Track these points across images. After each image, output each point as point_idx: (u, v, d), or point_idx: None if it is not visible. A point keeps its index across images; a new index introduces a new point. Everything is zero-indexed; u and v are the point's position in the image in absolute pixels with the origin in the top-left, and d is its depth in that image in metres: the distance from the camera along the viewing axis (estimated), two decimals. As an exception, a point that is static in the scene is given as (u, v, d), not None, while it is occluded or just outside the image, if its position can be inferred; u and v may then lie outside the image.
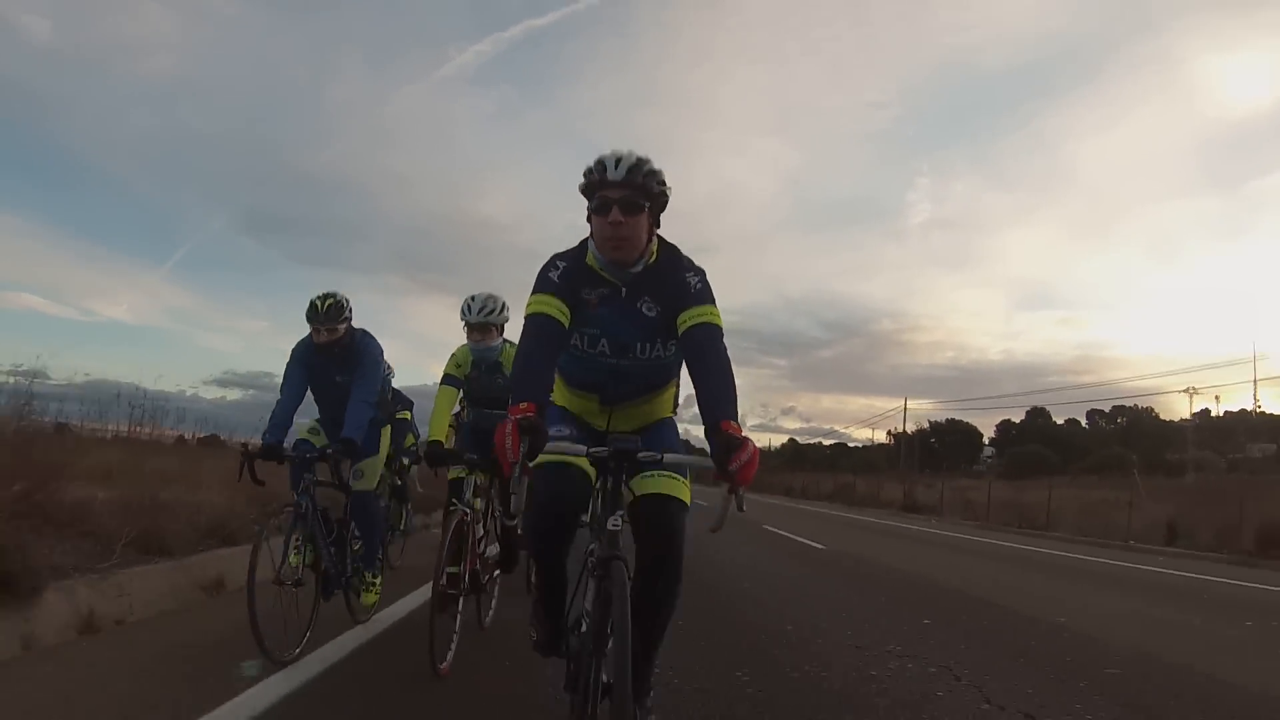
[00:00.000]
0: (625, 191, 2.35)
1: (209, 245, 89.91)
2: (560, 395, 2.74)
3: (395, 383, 6.98)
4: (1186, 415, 52.09)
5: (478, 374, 4.84)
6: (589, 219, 2.47)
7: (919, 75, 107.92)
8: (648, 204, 2.39)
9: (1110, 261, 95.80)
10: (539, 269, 2.50)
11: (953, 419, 60.39)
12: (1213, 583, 10.31)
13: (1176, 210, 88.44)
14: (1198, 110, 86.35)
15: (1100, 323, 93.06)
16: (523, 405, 2.13)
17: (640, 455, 2.20)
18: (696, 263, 2.56)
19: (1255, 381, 27.32)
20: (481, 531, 4.52)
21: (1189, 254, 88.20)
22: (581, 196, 2.46)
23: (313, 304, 4.43)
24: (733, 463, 2.03)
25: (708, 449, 2.18)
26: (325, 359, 4.55)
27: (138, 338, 74.61)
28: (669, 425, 2.80)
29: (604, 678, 2.10)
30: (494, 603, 4.91)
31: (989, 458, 57.59)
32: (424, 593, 4.68)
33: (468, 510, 4.28)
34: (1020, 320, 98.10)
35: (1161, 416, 52.39)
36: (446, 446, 4.63)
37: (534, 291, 2.44)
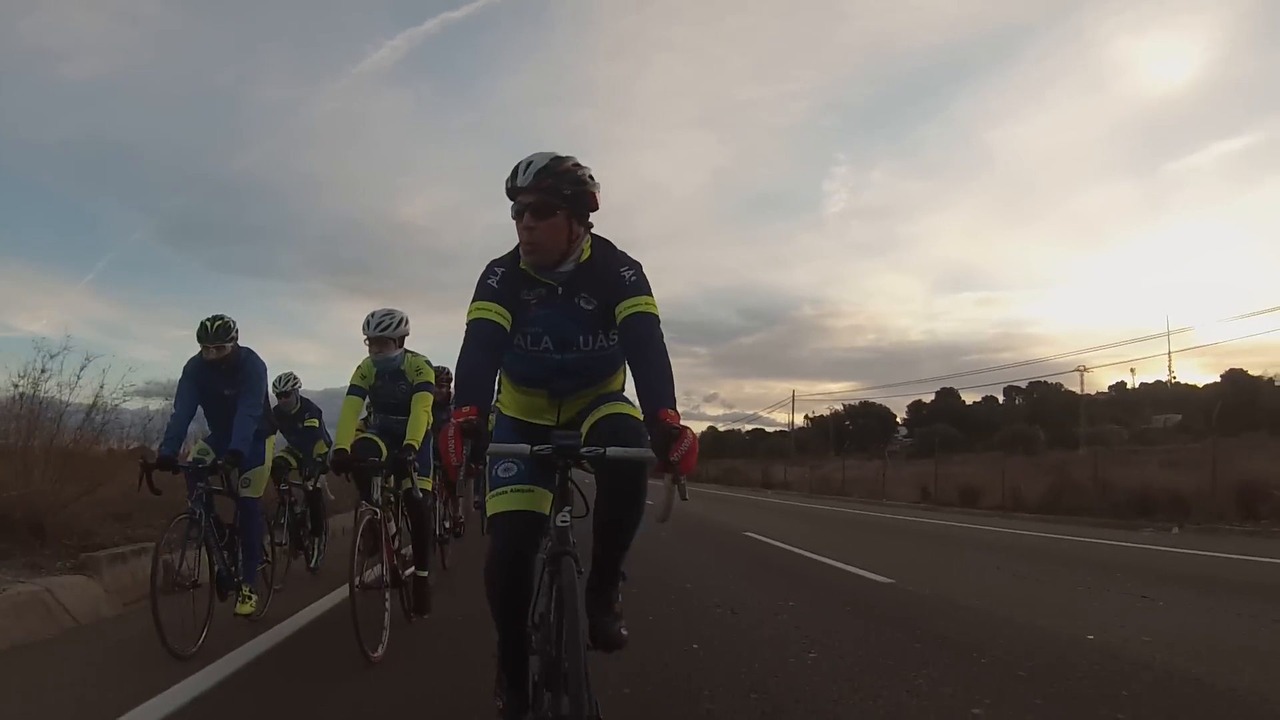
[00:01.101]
0: (535, 195, 2.35)
1: (130, 255, 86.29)
2: (508, 394, 2.78)
3: (306, 388, 7.19)
4: (1104, 389, 55.06)
5: (381, 383, 5.07)
6: None
7: (836, 63, 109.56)
8: (563, 205, 2.37)
9: (1029, 242, 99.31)
10: (478, 276, 2.50)
11: (866, 401, 62.23)
12: (977, 530, 13.72)
13: (1094, 191, 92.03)
14: (1114, 93, 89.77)
15: (1020, 302, 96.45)
16: (465, 409, 2.16)
17: (582, 450, 2.22)
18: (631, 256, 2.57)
19: (1170, 354, 29.35)
20: (394, 529, 4.72)
21: (1107, 234, 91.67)
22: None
23: (203, 325, 4.75)
24: (673, 452, 2.05)
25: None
26: (214, 374, 4.86)
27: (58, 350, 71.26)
28: (616, 394, 2.75)
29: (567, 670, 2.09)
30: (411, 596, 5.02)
31: (905, 438, 59.01)
32: (344, 591, 4.82)
33: (376, 510, 4.49)
34: (941, 302, 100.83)
35: (1075, 391, 54.86)
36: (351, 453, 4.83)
37: (474, 299, 2.45)
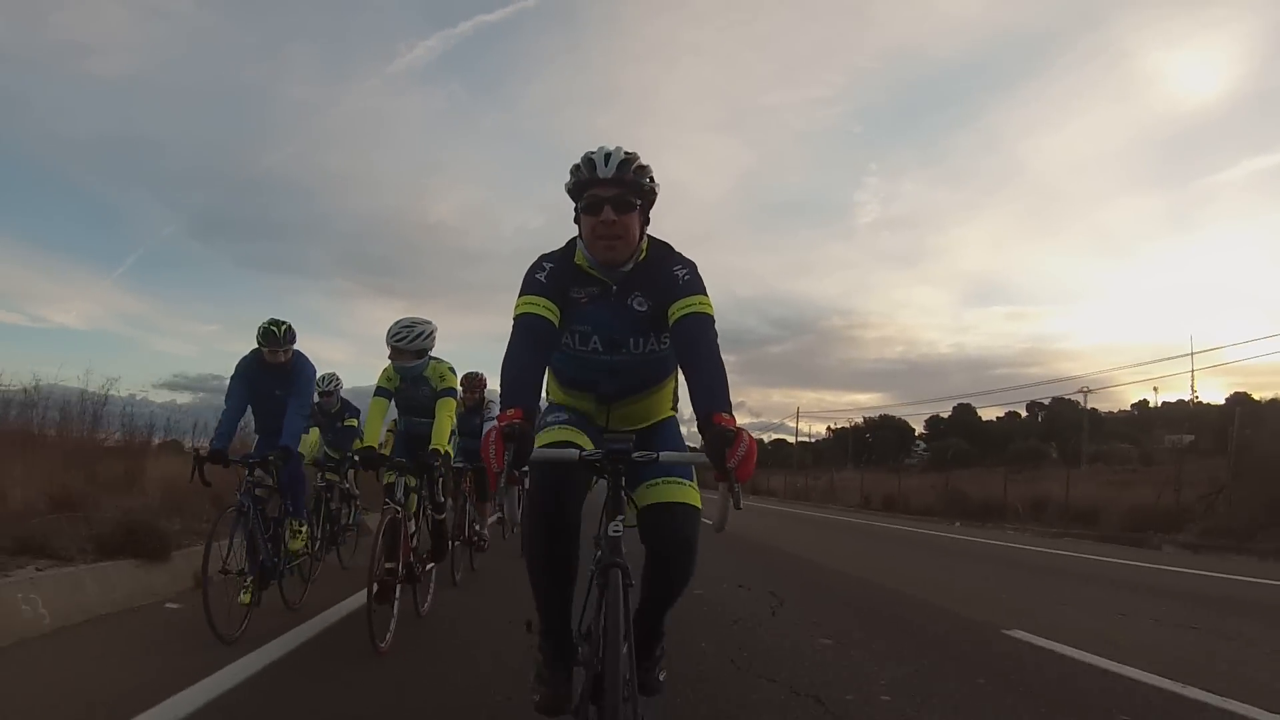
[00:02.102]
0: (617, 190, 2.24)
1: (159, 250, 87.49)
2: (555, 396, 2.65)
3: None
4: (1127, 406, 54.40)
5: (405, 386, 5.22)
6: (576, 219, 2.37)
7: (867, 70, 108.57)
8: (639, 202, 2.30)
9: (1059, 256, 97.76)
10: (525, 271, 2.39)
11: (886, 415, 61.90)
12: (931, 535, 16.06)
13: (1124, 205, 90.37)
14: (1145, 105, 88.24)
15: (1049, 316, 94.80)
16: (509, 412, 2.02)
17: (635, 455, 2.06)
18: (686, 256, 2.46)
19: (1193, 373, 29.02)
20: (414, 528, 4.86)
21: (1136, 249, 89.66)
22: (569, 198, 2.37)
23: (270, 330, 4.99)
24: (730, 459, 1.91)
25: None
26: (266, 375, 5.09)
27: (87, 343, 72.54)
28: (670, 424, 2.69)
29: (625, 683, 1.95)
30: (430, 593, 5.21)
31: (923, 451, 58.75)
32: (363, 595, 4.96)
33: (399, 509, 4.63)
34: (970, 315, 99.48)
35: (1092, 409, 54.31)
36: (380, 452, 5.03)
37: (521, 293, 2.33)
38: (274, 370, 5.07)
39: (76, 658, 3.78)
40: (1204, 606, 6.57)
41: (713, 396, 2.11)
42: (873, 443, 58.27)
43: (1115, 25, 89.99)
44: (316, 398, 6.55)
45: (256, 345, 5.07)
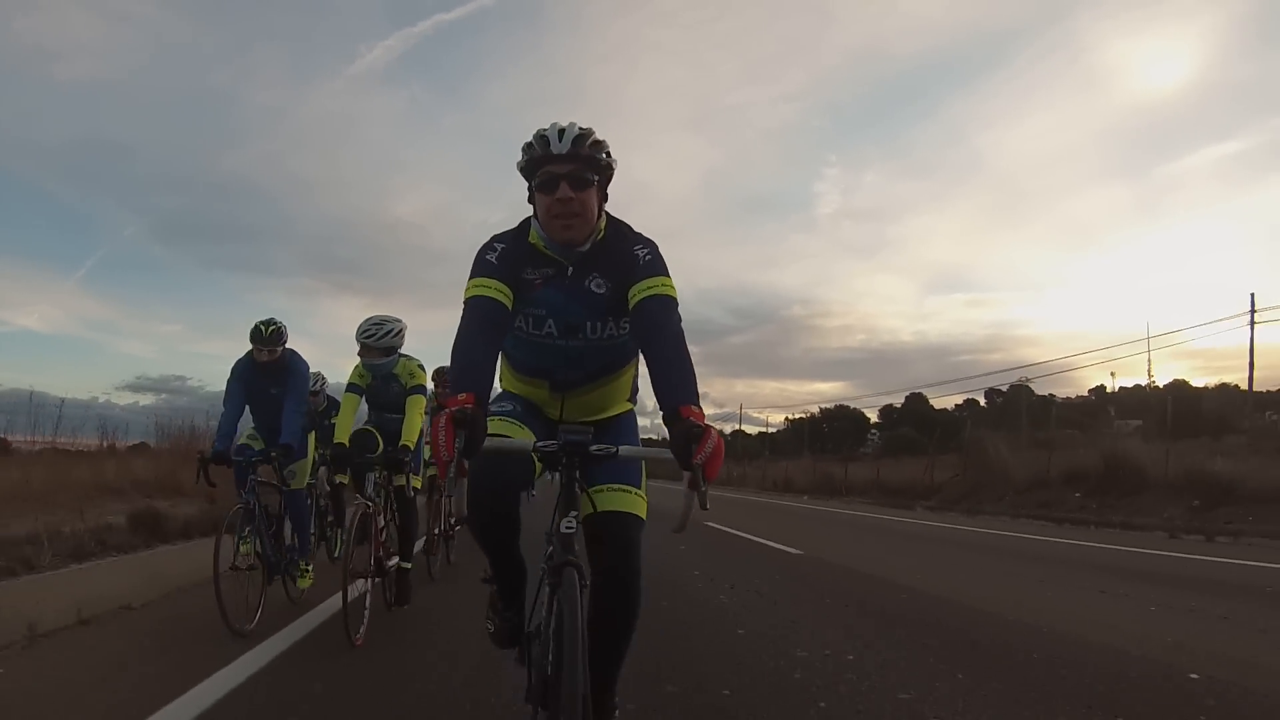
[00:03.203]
0: (572, 165, 2.12)
1: (121, 252, 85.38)
2: (508, 383, 2.51)
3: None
4: (1085, 391, 55.76)
5: (376, 383, 5.33)
6: (530, 199, 2.25)
7: (828, 65, 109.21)
8: (596, 178, 2.17)
9: (1020, 245, 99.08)
10: (475, 252, 2.26)
11: (842, 405, 62.85)
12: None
13: (1086, 194, 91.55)
14: (1106, 96, 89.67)
15: (1011, 303, 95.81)
16: (460, 396, 1.89)
17: (593, 448, 1.94)
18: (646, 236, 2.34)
19: (1149, 357, 29.82)
20: (382, 522, 4.96)
21: (1098, 237, 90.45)
22: (520, 176, 2.25)
23: (258, 329, 5.07)
24: (696, 455, 1.78)
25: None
26: (261, 374, 5.20)
27: (49, 345, 70.62)
28: (628, 419, 2.55)
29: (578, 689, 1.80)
30: (394, 587, 5.22)
31: (877, 440, 59.58)
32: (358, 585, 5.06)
33: (370, 503, 4.76)
34: (931, 303, 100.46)
35: (1048, 395, 55.54)
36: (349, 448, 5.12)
37: (471, 275, 2.20)
38: (268, 369, 5.16)
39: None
40: (900, 537, 12.38)
41: (679, 388, 1.98)
42: (829, 432, 59.16)
43: (1076, 18, 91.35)
44: None
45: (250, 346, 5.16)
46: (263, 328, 5.07)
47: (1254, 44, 74.32)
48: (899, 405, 61.37)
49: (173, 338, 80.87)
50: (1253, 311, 19.62)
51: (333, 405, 7.37)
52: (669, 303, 2.15)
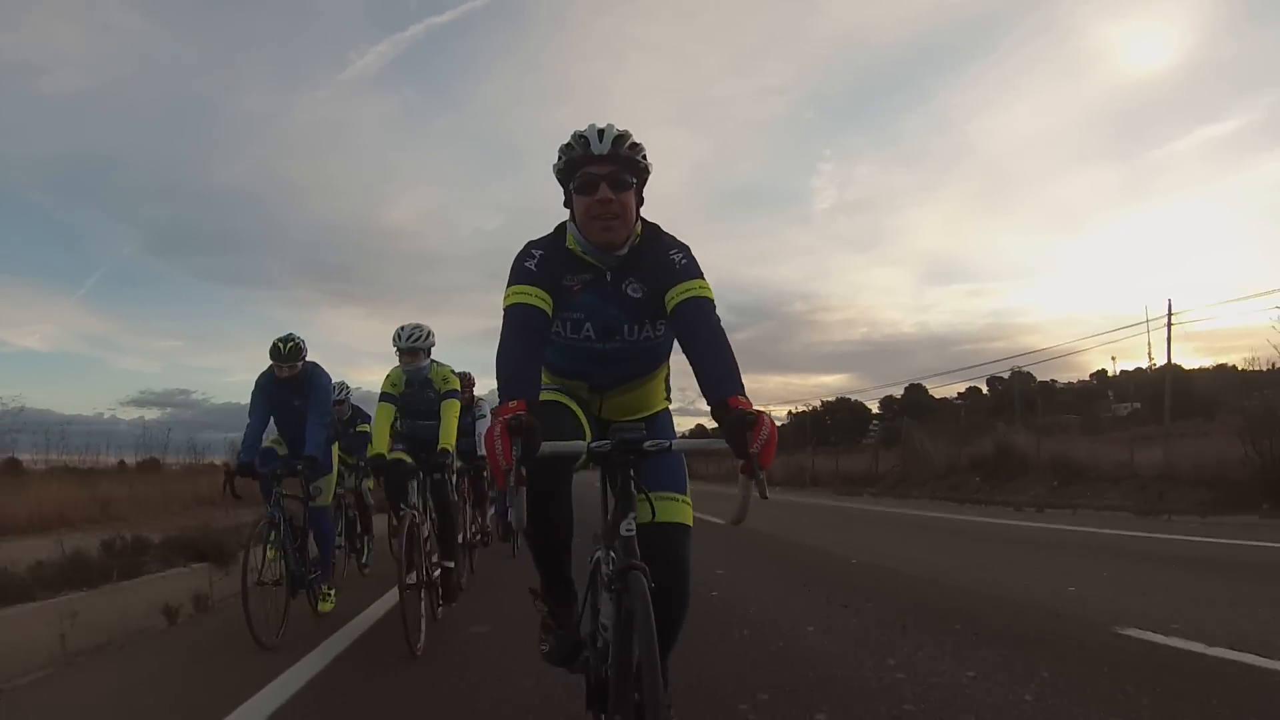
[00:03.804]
0: (612, 167, 2.10)
1: (120, 269, 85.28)
2: (546, 384, 2.43)
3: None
4: (1087, 376, 55.69)
5: (410, 390, 5.29)
6: (566, 202, 2.23)
7: (816, 57, 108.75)
8: (635, 180, 2.16)
9: (1016, 231, 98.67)
10: (513, 260, 2.22)
11: (843, 397, 62.86)
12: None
13: (1077, 178, 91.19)
14: (1093, 80, 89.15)
15: (1009, 291, 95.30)
16: (511, 404, 1.87)
17: (647, 445, 1.87)
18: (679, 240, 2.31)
19: (1149, 341, 29.57)
20: (427, 531, 4.85)
21: (1093, 221, 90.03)
22: (557, 181, 2.23)
23: (276, 346, 5.06)
24: (752, 443, 1.74)
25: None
26: (284, 387, 5.15)
27: (51, 364, 70.54)
28: (664, 417, 2.53)
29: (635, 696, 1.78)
30: (440, 596, 5.10)
31: (878, 431, 59.60)
32: (394, 595, 4.91)
33: (415, 512, 4.63)
34: (931, 294, 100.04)
35: (1050, 381, 55.36)
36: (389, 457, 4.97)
37: (510, 283, 2.17)
38: (290, 383, 5.12)
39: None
40: (850, 518, 14.50)
41: (725, 379, 1.94)
42: (831, 425, 59.20)
43: (1060, 1, 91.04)
44: None
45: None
46: (281, 345, 5.04)
47: (1239, 23, 74.19)
48: (899, 396, 61.35)
49: (173, 352, 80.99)
50: (1169, 315, 20.30)
51: (358, 414, 7.30)
52: (707, 304, 2.14)
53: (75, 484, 12.36)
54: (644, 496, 1.91)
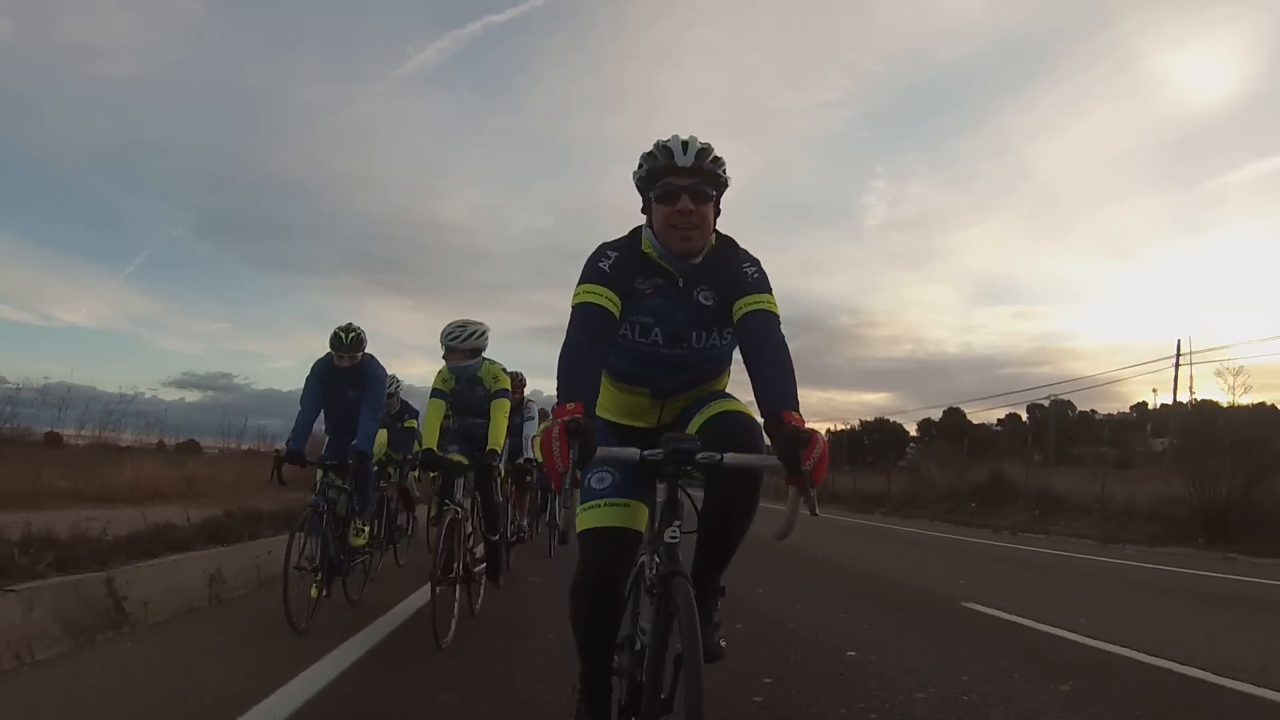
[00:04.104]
0: (694, 179, 2.12)
1: (167, 250, 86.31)
2: (604, 393, 2.39)
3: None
4: (1127, 408, 54.29)
5: (460, 387, 5.18)
6: (645, 209, 2.25)
7: (873, 73, 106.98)
8: (715, 192, 2.18)
9: (1066, 256, 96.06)
10: (587, 258, 2.23)
11: (881, 418, 61.97)
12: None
13: (1132, 207, 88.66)
14: (1152, 107, 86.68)
15: (1057, 315, 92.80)
16: (569, 406, 1.87)
17: (699, 456, 1.88)
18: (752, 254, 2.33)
19: (1176, 373, 28.64)
20: (470, 529, 4.82)
21: (1143, 249, 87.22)
22: (636, 189, 2.25)
23: (338, 335, 5.02)
24: (805, 460, 1.77)
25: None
26: (339, 377, 5.12)
27: (96, 341, 72.26)
28: (722, 392, 2.51)
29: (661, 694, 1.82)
30: (482, 591, 5.15)
31: (914, 453, 58.77)
32: (427, 590, 4.82)
33: (460, 509, 4.61)
34: (978, 314, 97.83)
35: (1089, 411, 54.16)
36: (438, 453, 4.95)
37: (581, 280, 2.17)
38: (345, 373, 5.09)
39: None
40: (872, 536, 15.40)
41: (782, 394, 1.98)
42: (869, 444, 58.41)
43: (1120, 26, 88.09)
44: None
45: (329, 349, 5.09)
46: (343, 335, 5.00)
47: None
48: (937, 419, 60.33)
49: (218, 335, 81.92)
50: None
51: (406, 409, 7.33)
52: (772, 319, 2.16)
53: (163, 463, 14.17)
54: (694, 506, 1.97)
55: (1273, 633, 5.63)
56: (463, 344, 4.94)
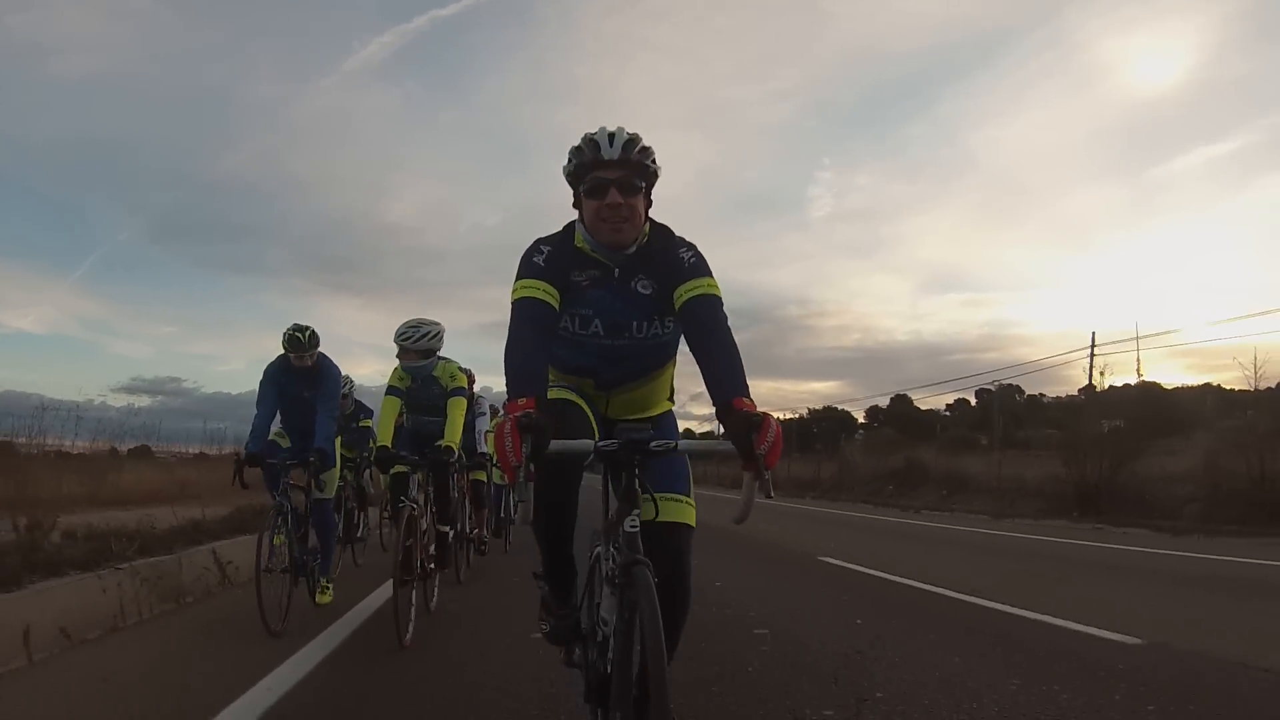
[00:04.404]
0: (622, 172, 2.11)
1: (117, 253, 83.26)
2: (552, 382, 2.40)
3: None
4: (1075, 391, 55.79)
5: (415, 385, 5.23)
6: (576, 203, 2.24)
7: (822, 64, 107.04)
8: (644, 184, 2.17)
9: (1015, 244, 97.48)
10: (521, 255, 2.24)
11: (830, 406, 62.97)
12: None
13: (1079, 194, 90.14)
14: (1099, 95, 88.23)
15: (1006, 303, 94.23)
16: (521, 401, 1.89)
17: (653, 445, 1.91)
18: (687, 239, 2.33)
19: (1139, 356, 29.79)
20: (425, 525, 4.88)
21: (1092, 236, 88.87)
22: (567, 183, 2.24)
23: (294, 337, 5.00)
24: (760, 444, 1.78)
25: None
26: (294, 377, 5.12)
27: (45, 347, 69.38)
28: (668, 419, 2.54)
29: (633, 691, 1.84)
30: (436, 589, 5.18)
31: (860, 439, 59.65)
32: (388, 588, 4.82)
33: (415, 505, 4.68)
34: (927, 303, 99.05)
35: (1036, 395, 55.67)
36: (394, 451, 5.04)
37: (518, 277, 2.19)
38: (301, 373, 5.09)
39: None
40: (810, 519, 15.70)
41: (730, 381, 1.98)
42: (818, 432, 59.32)
43: (1068, 15, 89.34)
44: None
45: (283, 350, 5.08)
46: (300, 335, 4.99)
47: (1249, 42, 74.20)
48: (885, 406, 61.45)
49: (168, 339, 79.40)
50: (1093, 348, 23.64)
51: (360, 409, 7.36)
52: (715, 302, 2.16)
53: (157, 468, 15.93)
54: (648, 496, 1.95)
55: (1057, 576, 7.39)
56: (415, 344, 4.99)
